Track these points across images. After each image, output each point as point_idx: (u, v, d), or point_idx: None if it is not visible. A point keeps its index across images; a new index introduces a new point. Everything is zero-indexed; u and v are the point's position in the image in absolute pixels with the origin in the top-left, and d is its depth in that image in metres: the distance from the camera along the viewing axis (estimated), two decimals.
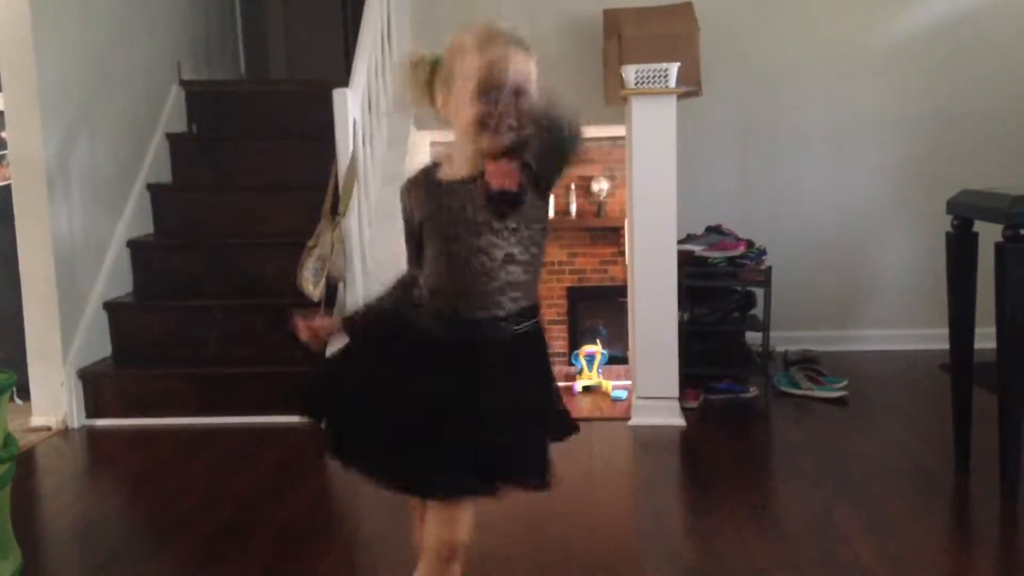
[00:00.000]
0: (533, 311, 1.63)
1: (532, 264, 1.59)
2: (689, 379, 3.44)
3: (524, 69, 1.50)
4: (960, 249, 2.67)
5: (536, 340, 1.65)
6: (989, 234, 2.47)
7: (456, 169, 1.58)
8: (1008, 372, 2.43)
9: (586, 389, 6.92)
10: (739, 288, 3.73)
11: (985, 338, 2.53)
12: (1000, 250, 2.38)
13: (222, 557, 2.35)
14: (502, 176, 1.45)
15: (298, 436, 3.30)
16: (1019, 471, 2.45)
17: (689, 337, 3.44)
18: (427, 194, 1.61)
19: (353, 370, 1.72)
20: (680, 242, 3.46)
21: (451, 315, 1.60)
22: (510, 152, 1.47)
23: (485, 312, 1.58)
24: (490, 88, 1.47)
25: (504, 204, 1.50)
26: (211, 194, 4.20)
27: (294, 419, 3.36)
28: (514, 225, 1.56)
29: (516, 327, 1.60)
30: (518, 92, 1.48)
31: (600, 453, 3.15)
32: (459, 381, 1.57)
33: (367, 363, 1.68)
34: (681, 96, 3.33)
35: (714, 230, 3.78)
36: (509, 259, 1.56)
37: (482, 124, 1.48)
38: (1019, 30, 4.22)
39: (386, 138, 4.06)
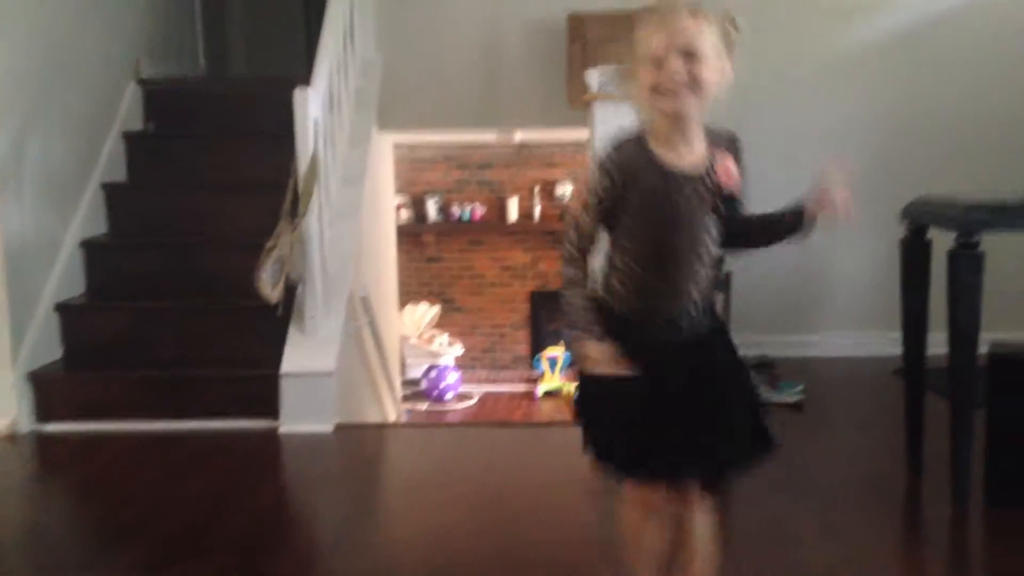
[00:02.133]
0: (712, 302, 1.72)
1: (717, 251, 1.67)
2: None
3: (696, 33, 1.54)
4: (914, 256, 2.70)
5: (723, 331, 1.76)
6: (942, 241, 2.51)
7: (679, 154, 1.60)
8: (959, 377, 2.45)
9: (548, 393, 6.94)
10: None
11: (938, 344, 2.56)
12: (953, 257, 2.41)
13: (174, 565, 2.30)
14: (732, 177, 1.60)
15: (255, 441, 3.26)
16: (970, 475, 2.48)
17: None
18: (650, 181, 1.59)
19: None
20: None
21: (658, 313, 1.64)
22: (731, 148, 1.64)
23: (691, 308, 1.64)
24: (662, 52, 1.53)
25: (727, 202, 1.63)
26: (168, 194, 4.14)
27: (251, 424, 3.35)
28: (717, 224, 1.65)
29: (708, 322, 1.69)
30: (689, 54, 1.53)
31: (562, 457, 3.15)
32: (689, 376, 1.64)
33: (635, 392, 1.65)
34: None
35: None
36: (713, 261, 1.65)
37: (655, 89, 1.54)
38: (973, 41, 4.29)
39: (348, 138, 4.04)
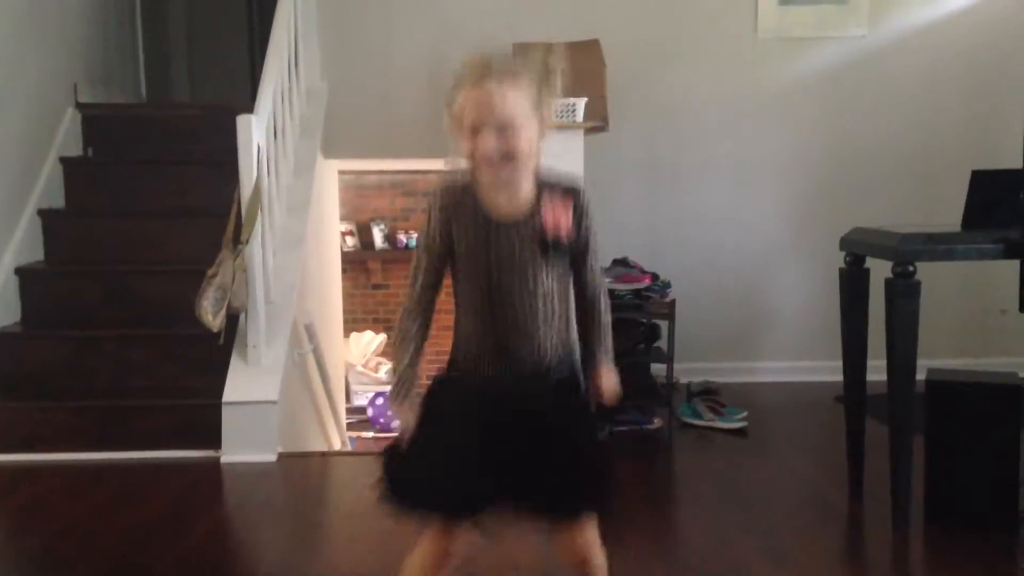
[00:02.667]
0: (569, 354, 1.68)
1: (565, 293, 1.65)
2: (595, 410, 3.44)
3: (506, 106, 1.52)
4: (852, 284, 2.76)
5: (575, 385, 1.70)
6: (880, 270, 2.57)
7: (504, 204, 1.60)
8: (897, 403, 2.51)
9: None
10: (644, 320, 3.78)
11: (878, 370, 2.61)
12: (890, 285, 2.47)
13: None
14: (557, 221, 1.57)
15: (196, 472, 3.19)
16: (910, 498, 2.53)
17: None
18: (473, 227, 1.60)
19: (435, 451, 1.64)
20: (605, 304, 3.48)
21: (495, 359, 1.62)
22: (565, 196, 1.60)
23: (530, 352, 1.62)
24: (475, 125, 1.53)
25: (554, 246, 1.60)
26: (107, 220, 4.05)
27: (192, 454, 3.28)
28: (556, 262, 1.62)
29: (557, 373, 1.65)
30: (503, 127, 1.52)
31: None
32: (518, 427, 1.61)
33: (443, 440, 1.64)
34: (588, 131, 3.37)
35: (620, 263, 3.83)
36: (547, 296, 1.62)
37: (472, 159, 1.54)
38: (907, 75, 4.43)
39: (292, 166, 4.00)
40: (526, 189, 1.61)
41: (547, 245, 1.59)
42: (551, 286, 1.62)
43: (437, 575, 1.69)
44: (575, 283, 1.69)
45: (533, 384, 1.63)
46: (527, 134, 1.55)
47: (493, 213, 1.60)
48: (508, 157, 1.53)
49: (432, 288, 1.68)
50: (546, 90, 1.59)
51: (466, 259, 1.62)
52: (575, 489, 1.64)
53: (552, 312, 1.63)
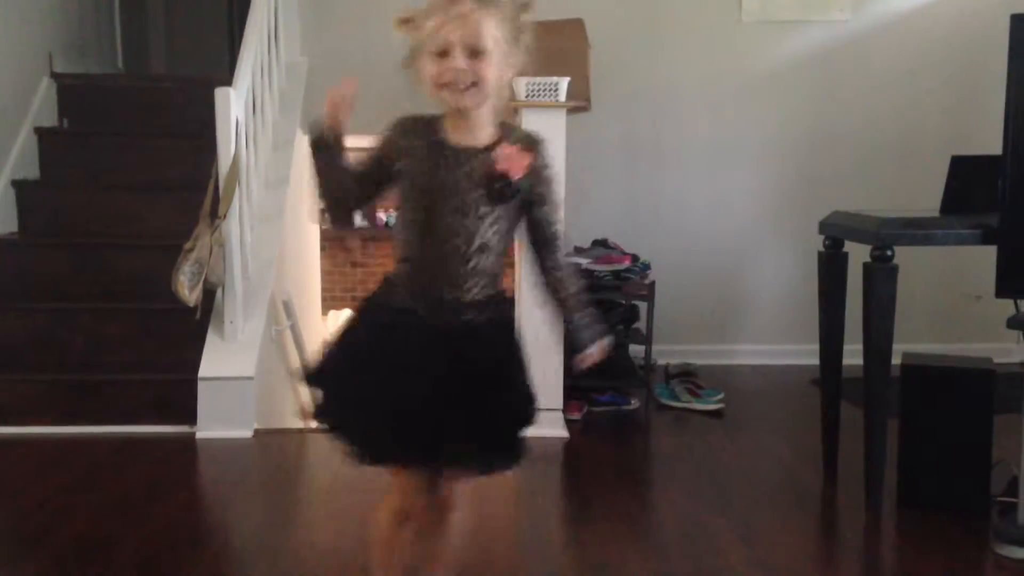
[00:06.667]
0: (499, 298, 1.64)
1: (500, 255, 1.61)
2: (573, 391, 3.45)
3: (482, 29, 1.47)
4: (831, 268, 2.77)
5: (505, 327, 1.66)
6: (859, 254, 2.57)
7: (463, 135, 1.55)
8: (872, 387, 2.52)
9: None
10: (623, 301, 3.79)
11: (855, 354, 2.62)
12: (867, 270, 2.48)
13: (81, 573, 2.22)
14: (512, 161, 1.50)
15: (167, 447, 3.17)
16: (882, 481, 2.55)
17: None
18: (426, 150, 1.55)
19: (354, 366, 1.63)
20: (567, 255, 3.48)
21: (422, 291, 1.58)
22: (527, 144, 1.54)
23: (453, 293, 1.57)
24: (445, 47, 1.47)
25: (502, 191, 1.53)
26: (82, 192, 4.00)
27: (167, 429, 3.26)
28: (498, 214, 1.56)
29: (483, 314, 1.60)
30: (474, 52, 1.47)
31: None
32: (443, 363, 1.57)
33: (364, 357, 1.62)
34: (570, 110, 3.35)
35: (600, 244, 3.83)
36: (483, 247, 1.56)
37: (438, 84, 1.49)
38: (888, 60, 4.44)
39: (271, 140, 3.96)
40: (487, 125, 1.56)
41: (498, 186, 1.53)
42: (489, 236, 1.56)
43: (399, 533, 1.75)
44: (536, 246, 1.64)
45: (464, 328, 1.59)
46: (498, 64, 1.49)
47: (450, 140, 1.55)
48: (474, 84, 1.48)
49: (359, 187, 1.66)
50: (523, 27, 1.53)
51: (410, 182, 1.57)
52: (495, 445, 1.64)
53: (486, 251, 1.57)
